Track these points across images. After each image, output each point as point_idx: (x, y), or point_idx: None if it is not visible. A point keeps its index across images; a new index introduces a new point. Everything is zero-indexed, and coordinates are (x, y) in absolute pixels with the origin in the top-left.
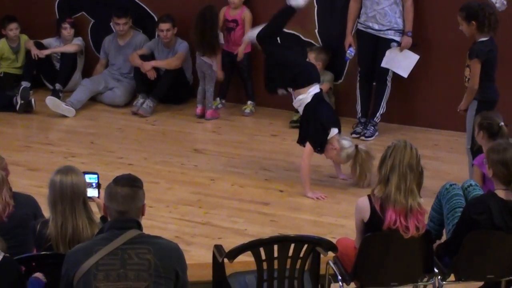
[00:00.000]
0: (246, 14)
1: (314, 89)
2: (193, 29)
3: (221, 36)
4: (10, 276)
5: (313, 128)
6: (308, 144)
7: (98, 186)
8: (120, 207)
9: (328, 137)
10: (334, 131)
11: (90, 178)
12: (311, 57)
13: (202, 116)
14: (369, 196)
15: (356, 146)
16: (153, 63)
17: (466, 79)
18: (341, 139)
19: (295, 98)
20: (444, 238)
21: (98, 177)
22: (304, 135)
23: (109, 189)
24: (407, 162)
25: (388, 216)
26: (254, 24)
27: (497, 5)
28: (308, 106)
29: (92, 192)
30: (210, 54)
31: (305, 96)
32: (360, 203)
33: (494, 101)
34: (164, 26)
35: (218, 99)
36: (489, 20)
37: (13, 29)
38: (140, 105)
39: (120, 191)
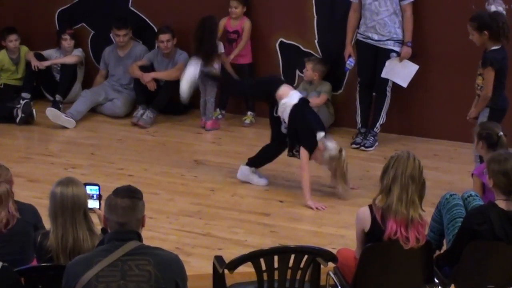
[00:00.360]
0: (245, 23)
1: (295, 91)
2: (192, 38)
3: (221, 46)
4: (9, 286)
5: (303, 133)
6: (303, 151)
7: (99, 197)
8: (120, 219)
9: (317, 139)
10: (321, 134)
11: (91, 190)
12: (308, 67)
13: (206, 129)
14: (370, 206)
15: (341, 151)
16: (153, 74)
17: (478, 87)
18: (327, 141)
19: (278, 105)
20: (444, 248)
21: (99, 189)
22: (294, 143)
23: (109, 200)
24: (409, 173)
25: (389, 227)
26: (254, 34)
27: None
28: (295, 110)
29: (93, 204)
30: (207, 63)
31: (287, 99)
32: (360, 213)
33: (505, 109)
34: (163, 37)
35: (218, 109)
36: (503, 30)
37: (12, 40)
38: (140, 116)
39: (120, 202)
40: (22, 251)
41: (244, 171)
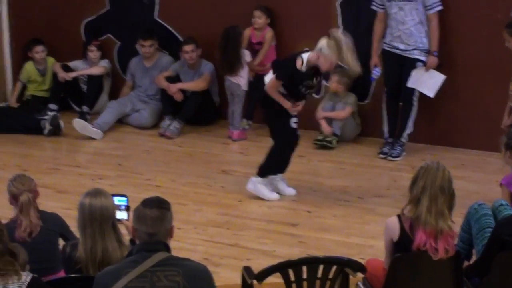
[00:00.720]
0: (268, 33)
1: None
2: (217, 48)
3: (246, 54)
4: None
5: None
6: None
7: (127, 208)
8: (149, 229)
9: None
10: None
11: (119, 201)
12: (334, 79)
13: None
14: (398, 216)
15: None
16: (179, 85)
17: (511, 93)
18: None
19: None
20: (474, 258)
21: (127, 200)
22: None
23: (137, 211)
24: (438, 184)
25: (418, 238)
26: (278, 44)
27: None
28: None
29: (121, 215)
30: (230, 73)
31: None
32: (389, 223)
33: None
34: (188, 47)
35: (244, 120)
36: None
37: (39, 51)
38: (167, 127)
39: (149, 213)
40: (47, 260)
41: (254, 182)
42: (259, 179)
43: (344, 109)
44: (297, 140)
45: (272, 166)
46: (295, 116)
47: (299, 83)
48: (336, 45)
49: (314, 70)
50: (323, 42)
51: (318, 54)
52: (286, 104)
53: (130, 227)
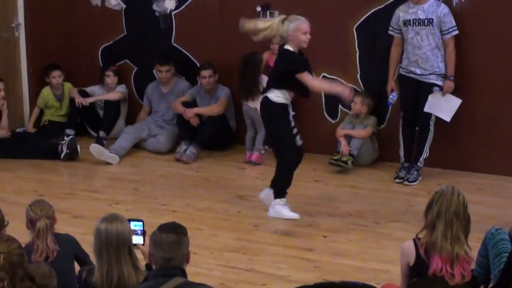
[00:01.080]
0: None
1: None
2: (235, 73)
3: (264, 79)
4: None
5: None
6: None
7: (143, 233)
8: (166, 254)
9: None
10: None
11: (135, 225)
12: (357, 100)
13: (251, 162)
14: (414, 240)
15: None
16: (195, 110)
17: None
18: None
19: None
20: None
21: (143, 224)
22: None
23: (154, 236)
24: (453, 210)
25: (434, 263)
26: None
27: None
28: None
29: (137, 239)
30: (248, 98)
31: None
32: (405, 247)
33: None
34: (205, 73)
35: (261, 145)
36: None
37: (56, 76)
38: (183, 152)
39: (165, 238)
40: (64, 284)
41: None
42: (277, 200)
43: (365, 130)
44: (302, 155)
45: (286, 182)
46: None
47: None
48: (291, 17)
49: None
50: (284, 24)
51: (291, 34)
52: (340, 88)
53: (146, 252)
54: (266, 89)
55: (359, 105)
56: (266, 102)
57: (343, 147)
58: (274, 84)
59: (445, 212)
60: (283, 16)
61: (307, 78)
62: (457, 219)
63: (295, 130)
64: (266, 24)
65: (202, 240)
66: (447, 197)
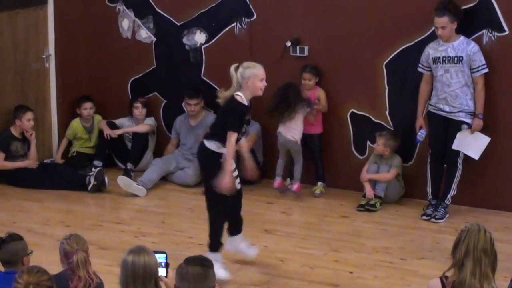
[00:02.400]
0: (321, 93)
1: None
2: (272, 103)
3: None
4: None
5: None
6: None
7: (167, 265)
8: (192, 287)
9: None
10: None
11: (158, 257)
12: (380, 142)
13: (279, 189)
14: (441, 278)
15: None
16: None
17: None
18: None
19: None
20: None
21: (166, 256)
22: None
23: (180, 269)
24: (481, 247)
25: None
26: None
27: None
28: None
29: (160, 272)
30: (283, 118)
31: None
32: (431, 285)
33: None
34: None
35: (288, 179)
36: None
37: (87, 108)
38: None
39: (191, 270)
40: None
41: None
42: (212, 254)
43: (389, 172)
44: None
45: (218, 234)
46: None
47: (246, 122)
48: (247, 64)
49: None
50: (239, 71)
51: (245, 81)
52: (227, 176)
53: (169, 284)
54: (206, 136)
55: (381, 146)
56: (202, 148)
57: (368, 192)
58: (213, 132)
59: (473, 249)
60: (235, 65)
61: (232, 139)
62: (485, 256)
63: (235, 173)
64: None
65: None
66: (474, 234)
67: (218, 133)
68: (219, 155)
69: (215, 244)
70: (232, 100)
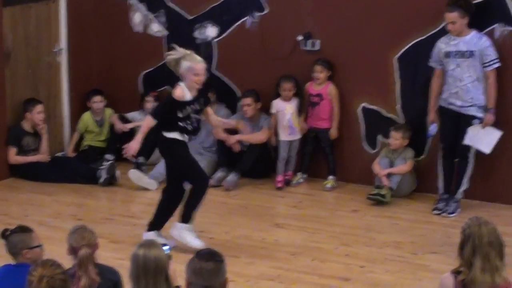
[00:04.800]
0: (332, 89)
1: None
2: None
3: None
4: None
5: None
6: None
7: (169, 257)
8: (205, 282)
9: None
10: None
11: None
12: (398, 136)
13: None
14: (453, 273)
15: None
16: (238, 136)
17: None
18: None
19: None
20: None
21: (169, 249)
22: None
23: (192, 264)
24: (486, 241)
25: None
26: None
27: None
28: None
29: None
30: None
31: None
32: (444, 280)
33: None
34: (245, 100)
35: (299, 173)
36: None
37: (97, 101)
38: (222, 178)
39: (204, 266)
40: None
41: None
42: (184, 225)
43: (406, 164)
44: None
45: (197, 207)
46: None
47: (190, 112)
48: (187, 55)
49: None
50: (181, 62)
51: (183, 74)
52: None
53: (172, 276)
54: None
55: (400, 140)
56: (161, 138)
57: (385, 180)
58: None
59: (479, 246)
60: (185, 53)
61: (147, 122)
62: (492, 249)
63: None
64: (169, 58)
65: (239, 268)
66: (476, 230)
67: (161, 121)
68: (176, 141)
69: (189, 217)
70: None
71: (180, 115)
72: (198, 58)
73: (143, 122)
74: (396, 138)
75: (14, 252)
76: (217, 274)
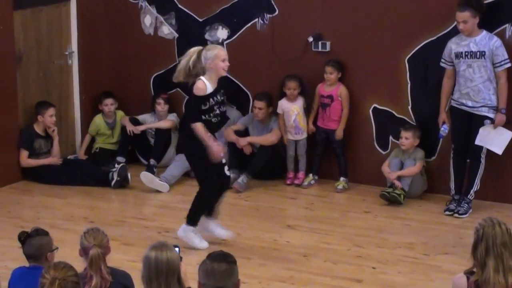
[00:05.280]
0: (342, 90)
1: None
2: None
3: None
4: None
5: None
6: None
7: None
8: (218, 283)
9: None
10: None
11: None
12: (409, 135)
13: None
14: (465, 273)
15: None
16: (249, 138)
17: None
18: None
19: None
20: None
21: (179, 250)
22: None
23: (204, 266)
24: (500, 241)
25: None
26: (351, 100)
27: None
28: None
29: None
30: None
31: None
32: (457, 281)
33: None
34: (257, 104)
35: (310, 175)
36: None
37: (108, 104)
38: (233, 180)
39: (216, 267)
40: None
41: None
42: (190, 227)
43: (416, 165)
44: (228, 185)
45: (201, 211)
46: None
47: (213, 104)
48: (206, 46)
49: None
50: (202, 55)
51: (210, 63)
52: (213, 146)
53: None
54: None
55: (411, 139)
56: (186, 135)
57: (397, 183)
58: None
59: (492, 246)
60: (199, 48)
61: (197, 129)
62: (505, 249)
63: (223, 161)
64: (185, 60)
65: (251, 270)
66: (490, 231)
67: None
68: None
69: (194, 219)
70: (191, 88)
71: (203, 107)
72: (218, 45)
73: (197, 130)
74: (407, 138)
75: (37, 255)
76: (229, 275)
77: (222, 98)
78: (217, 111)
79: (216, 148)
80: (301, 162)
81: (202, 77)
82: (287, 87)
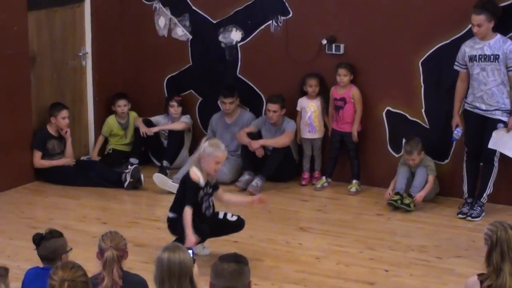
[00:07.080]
0: (355, 92)
1: None
2: None
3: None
4: None
5: None
6: None
7: (193, 261)
8: (227, 283)
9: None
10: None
11: None
12: (415, 154)
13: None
14: (479, 277)
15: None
16: (261, 141)
17: None
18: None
19: None
20: None
21: (193, 252)
22: None
23: (215, 266)
24: None
25: None
26: (364, 103)
27: None
28: None
29: None
30: None
31: None
32: (469, 284)
33: None
34: (271, 106)
35: (324, 177)
36: None
37: (121, 105)
38: (245, 181)
39: (226, 267)
40: None
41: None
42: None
43: (428, 180)
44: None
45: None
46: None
47: (201, 194)
48: (211, 140)
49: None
50: (203, 142)
51: (204, 157)
52: (191, 238)
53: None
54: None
55: (417, 158)
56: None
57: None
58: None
59: (508, 251)
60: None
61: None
62: None
63: (220, 215)
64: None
65: (264, 272)
66: (503, 235)
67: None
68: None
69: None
70: (187, 176)
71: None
72: (222, 146)
73: (184, 215)
74: (413, 158)
75: (53, 258)
76: (239, 276)
77: (212, 191)
78: (206, 202)
79: (191, 241)
80: (317, 163)
81: (194, 168)
82: (308, 84)
